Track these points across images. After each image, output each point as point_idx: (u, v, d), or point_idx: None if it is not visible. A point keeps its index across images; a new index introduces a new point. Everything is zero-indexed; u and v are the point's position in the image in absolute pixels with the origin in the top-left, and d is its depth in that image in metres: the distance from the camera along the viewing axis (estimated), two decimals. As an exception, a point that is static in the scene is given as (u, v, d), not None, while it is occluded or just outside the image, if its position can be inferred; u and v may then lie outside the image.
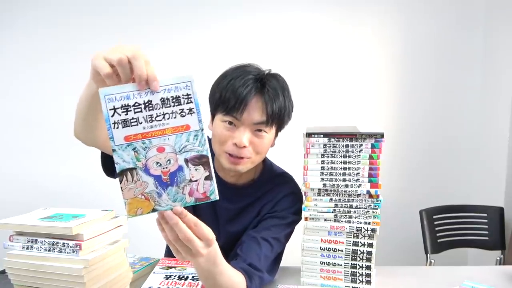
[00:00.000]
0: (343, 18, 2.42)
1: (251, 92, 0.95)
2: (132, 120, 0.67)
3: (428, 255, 1.96)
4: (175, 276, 0.98)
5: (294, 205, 1.08)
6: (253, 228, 1.07)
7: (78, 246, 0.79)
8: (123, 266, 0.91)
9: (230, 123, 0.98)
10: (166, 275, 0.98)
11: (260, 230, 1.04)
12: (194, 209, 1.04)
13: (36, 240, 0.82)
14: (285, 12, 2.41)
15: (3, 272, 0.89)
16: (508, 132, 2.14)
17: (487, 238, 2.03)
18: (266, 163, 1.14)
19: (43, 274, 0.81)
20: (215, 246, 0.79)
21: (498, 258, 2.02)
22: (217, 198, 0.71)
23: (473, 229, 2.07)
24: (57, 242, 0.80)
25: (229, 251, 1.05)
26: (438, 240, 2.01)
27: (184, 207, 0.69)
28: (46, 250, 0.81)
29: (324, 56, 2.44)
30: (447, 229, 2.05)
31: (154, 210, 0.68)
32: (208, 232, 0.73)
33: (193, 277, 0.97)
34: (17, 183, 2.47)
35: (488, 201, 2.13)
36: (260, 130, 0.98)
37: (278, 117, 0.99)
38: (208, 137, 1.17)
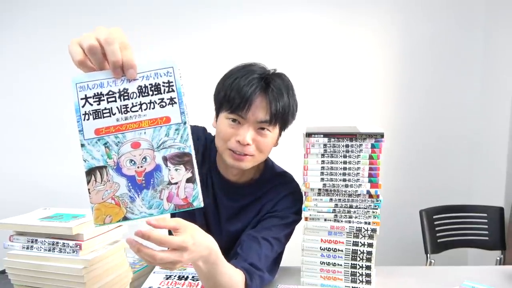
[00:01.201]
0: (343, 18, 2.42)
1: (255, 91, 0.96)
2: (104, 111, 0.58)
3: (428, 255, 1.96)
4: (175, 276, 0.98)
5: (294, 205, 1.08)
6: (253, 227, 1.07)
7: (78, 246, 0.79)
8: (123, 266, 0.91)
9: (234, 120, 0.98)
10: (166, 275, 0.98)
11: (260, 229, 1.04)
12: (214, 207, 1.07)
13: (36, 240, 0.82)
14: (285, 13, 2.41)
15: (3, 272, 0.89)
16: (508, 132, 2.14)
17: (487, 238, 2.03)
18: (267, 162, 1.14)
19: (43, 274, 0.81)
20: (215, 248, 0.79)
21: (498, 258, 2.02)
22: (201, 205, 0.61)
23: (473, 229, 2.07)
24: (57, 242, 0.80)
25: (229, 250, 1.05)
26: (438, 240, 2.01)
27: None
28: (46, 250, 0.81)
29: (324, 56, 2.44)
30: (447, 229, 2.05)
31: (125, 219, 0.59)
32: (179, 240, 0.68)
33: (193, 277, 0.97)
34: (17, 183, 2.47)
35: (488, 201, 2.13)
36: (263, 129, 0.99)
37: (282, 116, 1.00)
38: (210, 134, 1.18)
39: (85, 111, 0.58)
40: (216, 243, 0.80)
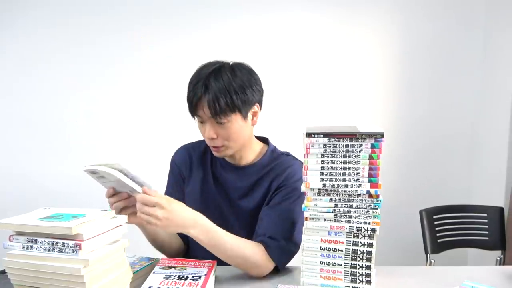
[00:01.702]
0: (343, 18, 2.42)
1: (196, 94, 1.07)
2: None
3: (428, 255, 1.96)
4: (175, 276, 0.98)
5: (300, 176, 1.13)
6: (267, 204, 1.16)
7: (78, 246, 0.79)
8: (123, 266, 0.91)
9: (201, 121, 1.12)
10: (166, 275, 0.98)
11: (273, 205, 1.14)
12: (201, 191, 1.22)
13: (36, 240, 0.82)
14: (285, 12, 2.41)
15: (3, 272, 0.89)
16: (508, 132, 2.14)
17: (487, 238, 2.03)
18: (269, 146, 1.26)
19: (43, 274, 0.81)
20: (203, 220, 1.00)
21: (498, 258, 2.02)
22: None
23: (473, 229, 2.07)
24: (57, 242, 0.80)
25: (244, 228, 1.16)
26: (438, 240, 2.01)
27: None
28: (46, 250, 0.81)
29: (324, 56, 2.44)
30: (447, 229, 2.05)
31: None
32: (154, 199, 0.94)
33: (193, 277, 0.97)
34: (17, 183, 2.47)
35: (488, 201, 2.13)
36: (220, 123, 1.09)
37: (229, 110, 1.08)
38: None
39: None
40: (205, 217, 1.00)
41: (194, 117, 1.14)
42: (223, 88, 1.07)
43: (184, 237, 1.25)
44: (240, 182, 1.21)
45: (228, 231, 1.05)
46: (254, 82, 1.13)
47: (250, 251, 1.04)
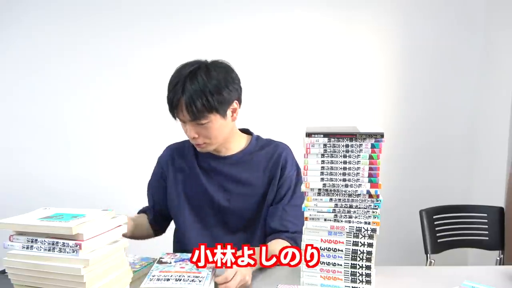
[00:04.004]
0: (343, 17, 2.42)
1: (175, 97, 1.11)
2: None
3: (428, 255, 1.96)
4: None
5: (292, 167, 1.26)
6: (275, 195, 1.24)
7: (78, 246, 0.79)
8: (123, 266, 0.91)
9: (183, 121, 1.16)
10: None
11: (283, 198, 1.23)
12: (185, 181, 1.28)
13: (36, 240, 0.82)
14: (285, 12, 2.41)
15: (3, 272, 0.89)
16: (508, 132, 2.14)
17: (487, 238, 2.03)
18: (253, 136, 1.31)
19: (43, 274, 0.81)
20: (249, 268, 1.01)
21: (498, 258, 2.01)
22: None
23: (473, 229, 2.07)
24: (57, 242, 0.80)
25: (245, 211, 1.25)
26: (438, 240, 2.01)
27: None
28: (46, 250, 0.81)
29: (324, 56, 2.44)
30: (447, 229, 2.05)
31: None
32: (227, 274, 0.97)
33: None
34: (17, 183, 2.47)
35: (488, 201, 2.13)
36: (199, 123, 1.13)
37: (206, 111, 1.11)
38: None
39: None
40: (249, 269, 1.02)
41: (175, 118, 1.17)
42: (198, 90, 1.10)
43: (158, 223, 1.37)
44: (228, 168, 1.26)
45: (218, 210, 1.23)
46: (230, 81, 1.16)
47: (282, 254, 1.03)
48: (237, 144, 1.28)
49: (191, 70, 1.12)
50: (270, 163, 1.25)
